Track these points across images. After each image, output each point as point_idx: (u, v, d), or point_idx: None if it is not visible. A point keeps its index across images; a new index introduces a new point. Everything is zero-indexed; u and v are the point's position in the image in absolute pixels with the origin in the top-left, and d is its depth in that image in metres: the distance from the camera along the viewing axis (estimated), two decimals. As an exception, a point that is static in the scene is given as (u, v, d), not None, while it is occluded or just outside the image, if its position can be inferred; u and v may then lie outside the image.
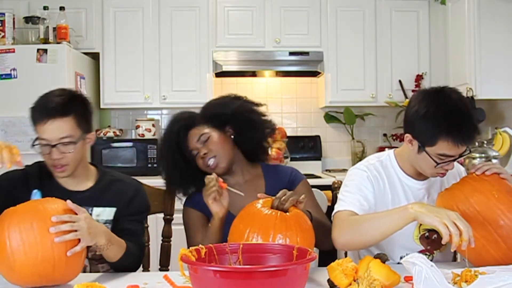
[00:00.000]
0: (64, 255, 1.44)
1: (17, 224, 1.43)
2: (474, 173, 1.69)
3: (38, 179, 1.81)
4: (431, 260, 1.80)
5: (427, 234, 1.83)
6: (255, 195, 1.78)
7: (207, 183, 1.76)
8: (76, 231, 1.47)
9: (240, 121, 1.98)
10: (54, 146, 1.72)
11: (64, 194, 1.78)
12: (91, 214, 1.81)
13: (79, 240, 1.48)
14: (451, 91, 1.72)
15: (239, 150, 2.01)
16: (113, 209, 1.83)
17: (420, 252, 1.83)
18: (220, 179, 1.77)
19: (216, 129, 1.95)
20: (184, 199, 2.02)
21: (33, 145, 1.75)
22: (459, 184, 1.69)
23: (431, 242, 1.84)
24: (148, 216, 2.17)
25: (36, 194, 1.65)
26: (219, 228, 1.77)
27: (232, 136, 1.98)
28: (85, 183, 1.85)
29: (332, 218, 1.77)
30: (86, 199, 1.80)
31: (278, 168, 2.09)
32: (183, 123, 1.97)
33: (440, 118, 1.66)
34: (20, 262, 1.40)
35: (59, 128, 1.71)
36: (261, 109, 2.04)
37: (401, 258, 1.81)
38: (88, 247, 1.58)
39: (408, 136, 1.75)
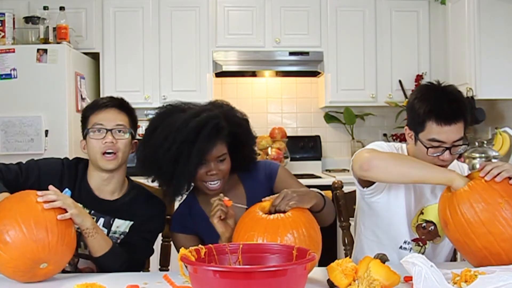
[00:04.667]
0: (55, 218, 1.52)
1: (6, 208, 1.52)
2: (484, 178, 1.57)
3: (72, 179, 1.84)
4: (423, 252, 1.84)
5: (424, 224, 1.89)
6: (238, 203, 1.77)
7: (212, 202, 1.69)
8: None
9: (244, 143, 1.89)
10: (109, 130, 1.80)
11: (91, 199, 1.84)
12: (111, 225, 1.84)
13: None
14: (446, 84, 1.80)
15: None
16: (131, 223, 1.86)
17: (413, 240, 1.89)
18: (225, 198, 1.69)
19: (228, 151, 1.81)
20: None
21: (85, 135, 1.84)
22: (466, 190, 1.58)
23: (427, 233, 1.89)
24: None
25: (66, 192, 1.73)
26: None
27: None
28: (115, 194, 1.88)
29: (354, 156, 1.84)
30: (111, 209, 1.84)
31: (251, 168, 1.95)
32: (213, 129, 1.73)
33: (425, 101, 1.75)
34: (14, 234, 1.45)
35: (116, 116, 1.84)
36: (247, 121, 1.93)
37: (400, 247, 1.88)
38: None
39: (406, 130, 1.84)
